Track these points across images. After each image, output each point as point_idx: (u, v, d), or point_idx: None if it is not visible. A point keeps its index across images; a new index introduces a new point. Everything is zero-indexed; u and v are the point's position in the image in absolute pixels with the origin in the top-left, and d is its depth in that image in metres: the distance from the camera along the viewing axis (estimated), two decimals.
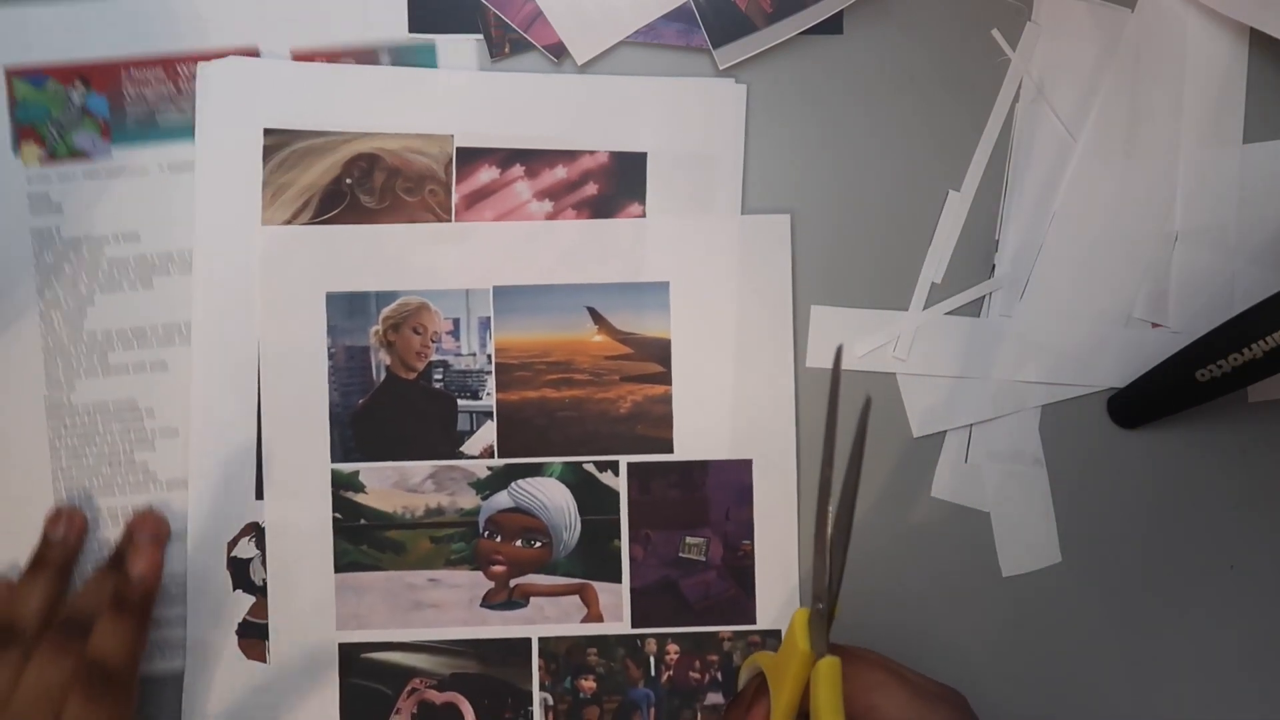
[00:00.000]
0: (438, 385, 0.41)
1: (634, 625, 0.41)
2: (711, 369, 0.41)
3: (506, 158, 0.42)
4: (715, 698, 0.41)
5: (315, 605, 0.41)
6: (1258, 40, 0.41)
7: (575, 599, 0.41)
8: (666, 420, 0.41)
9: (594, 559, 0.41)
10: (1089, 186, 0.42)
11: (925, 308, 0.42)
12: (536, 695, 0.41)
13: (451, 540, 0.41)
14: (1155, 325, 0.42)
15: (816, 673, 0.29)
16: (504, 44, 0.41)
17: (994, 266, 0.42)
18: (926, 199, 0.42)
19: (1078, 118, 0.42)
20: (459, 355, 0.41)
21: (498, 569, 0.41)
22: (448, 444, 0.41)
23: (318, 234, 0.41)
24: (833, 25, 0.42)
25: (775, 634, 0.41)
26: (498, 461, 0.41)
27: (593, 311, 0.41)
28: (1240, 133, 0.42)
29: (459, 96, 0.41)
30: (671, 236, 0.41)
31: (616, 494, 0.41)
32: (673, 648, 0.41)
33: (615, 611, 0.41)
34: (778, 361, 0.41)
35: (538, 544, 0.41)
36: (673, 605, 0.41)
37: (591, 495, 0.41)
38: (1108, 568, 0.42)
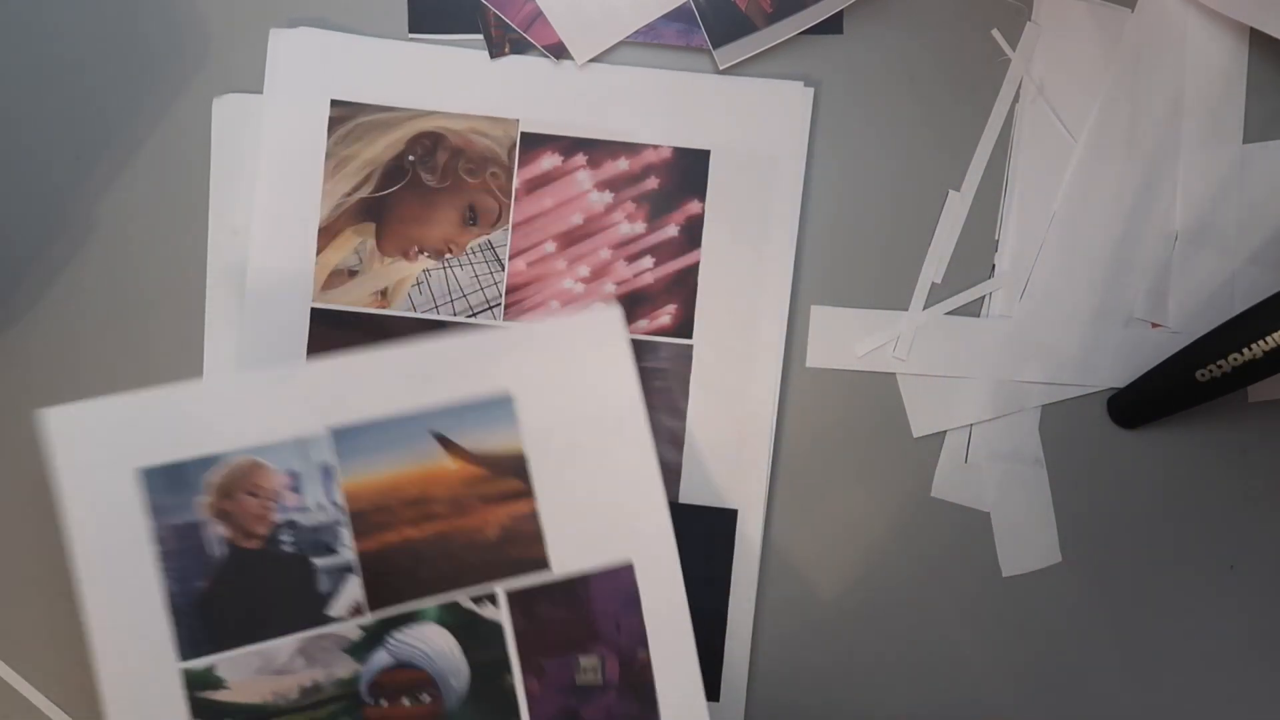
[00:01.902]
0: (288, 549, 0.37)
1: None
2: (571, 474, 0.38)
3: (569, 146, 0.42)
4: None
5: None
6: (1258, 40, 0.41)
7: None
8: (537, 537, 0.38)
9: (489, 702, 0.38)
10: (1089, 186, 0.42)
11: (925, 308, 0.42)
12: None
13: (335, 717, 0.37)
14: (1155, 325, 0.42)
15: None
16: (504, 44, 0.42)
17: (994, 266, 0.42)
18: (926, 199, 0.42)
19: (1078, 118, 0.42)
20: (305, 510, 0.37)
21: None
22: (311, 610, 0.37)
23: (112, 407, 0.37)
24: (833, 25, 0.42)
25: None
26: (369, 619, 0.37)
27: (440, 437, 0.38)
28: (1240, 133, 0.42)
29: (527, 82, 0.42)
30: (507, 345, 0.38)
31: (500, 626, 0.38)
32: None
33: None
34: (639, 455, 0.39)
35: (426, 698, 0.38)
36: None
37: (474, 633, 0.38)
38: (1108, 568, 0.42)
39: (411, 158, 0.42)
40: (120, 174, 0.42)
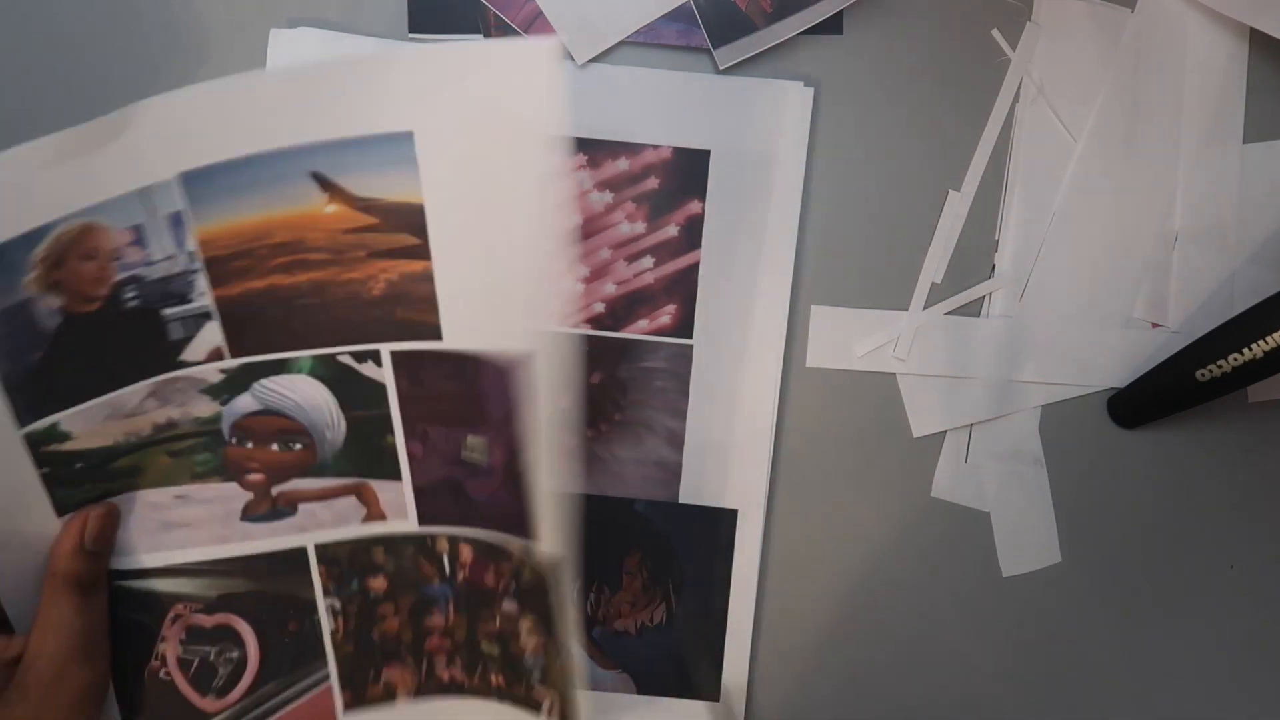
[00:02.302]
0: (132, 304, 0.33)
1: (421, 523, 0.36)
2: (476, 239, 0.32)
3: (569, 146, 0.42)
4: (511, 606, 0.36)
5: (41, 552, 0.35)
6: (1258, 40, 0.41)
7: (352, 500, 0.36)
8: (430, 302, 0.32)
9: (367, 456, 0.35)
10: (1089, 186, 0.42)
11: (925, 308, 0.42)
12: (322, 602, 0.36)
13: (193, 451, 0.35)
14: (1155, 325, 0.42)
15: None
16: None
17: (994, 266, 0.42)
18: (926, 199, 0.42)
19: (1078, 118, 0.42)
20: (150, 264, 0.33)
21: (255, 478, 0.35)
22: (162, 358, 0.34)
23: None
24: (833, 25, 0.42)
25: (559, 563, 0.34)
26: (231, 362, 0.34)
27: (319, 177, 0.31)
28: (1240, 133, 0.42)
29: None
30: (411, 75, 0.31)
31: (383, 386, 0.34)
32: (466, 549, 0.36)
33: (399, 509, 0.35)
34: (548, 228, 0.31)
35: (298, 445, 0.35)
36: (461, 505, 0.35)
37: (353, 389, 0.34)
38: (1108, 568, 0.42)
39: None
40: None
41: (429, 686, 0.37)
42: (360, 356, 0.34)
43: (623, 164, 0.42)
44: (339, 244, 0.32)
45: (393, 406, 0.34)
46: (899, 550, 0.42)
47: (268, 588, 0.36)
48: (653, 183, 0.42)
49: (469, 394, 0.33)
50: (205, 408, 0.35)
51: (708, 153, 0.42)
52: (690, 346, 0.42)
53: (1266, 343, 0.37)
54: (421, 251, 0.32)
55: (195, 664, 0.37)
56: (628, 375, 0.42)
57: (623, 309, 0.42)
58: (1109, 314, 0.42)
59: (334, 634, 0.37)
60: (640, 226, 0.42)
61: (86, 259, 0.32)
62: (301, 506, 0.36)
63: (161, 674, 0.37)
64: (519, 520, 0.34)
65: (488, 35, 0.41)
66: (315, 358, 0.34)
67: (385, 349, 0.33)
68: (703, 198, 0.42)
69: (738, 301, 0.42)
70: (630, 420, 0.42)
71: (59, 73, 0.42)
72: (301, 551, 0.36)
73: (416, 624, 0.36)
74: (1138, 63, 0.42)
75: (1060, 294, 0.42)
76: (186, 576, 0.36)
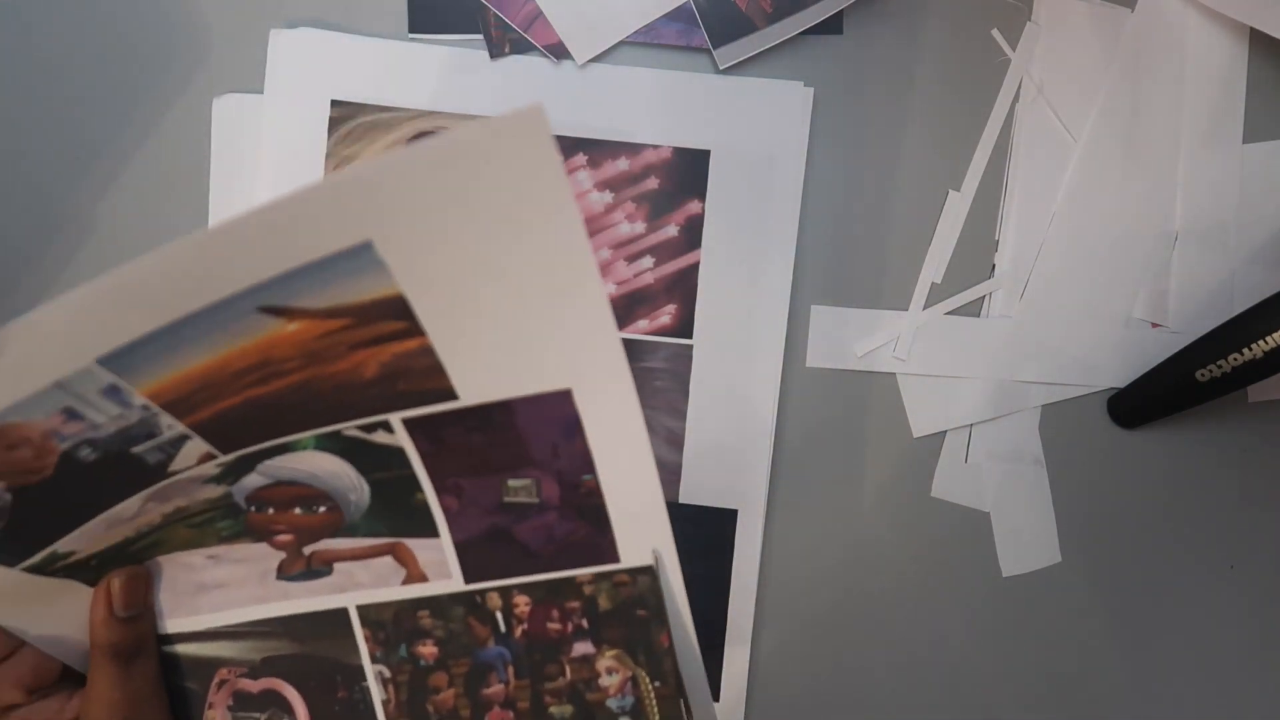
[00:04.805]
0: (91, 459, 0.30)
1: (469, 581, 0.33)
2: (477, 305, 0.28)
3: (569, 146, 0.42)
4: (584, 648, 0.34)
5: (76, 625, 0.34)
6: (1258, 40, 0.41)
7: (389, 560, 0.34)
8: (435, 370, 0.29)
9: (398, 515, 0.33)
10: (1089, 186, 0.42)
11: (925, 308, 0.42)
12: (370, 669, 0.34)
13: (214, 520, 0.33)
14: (1155, 325, 0.42)
15: None
16: (504, 44, 0.42)
17: (994, 266, 0.42)
18: (926, 199, 0.42)
19: (1078, 118, 0.42)
20: (97, 428, 0.29)
21: (284, 538, 0.34)
22: (150, 475, 0.31)
23: None
24: (833, 25, 0.42)
25: (647, 570, 0.32)
26: (227, 457, 0.31)
27: (271, 309, 0.28)
28: (1240, 133, 0.42)
29: (527, 82, 0.42)
30: (368, 193, 0.26)
31: (400, 450, 0.32)
32: (521, 599, 0.34)
33: (441, 569, 0.33)
34: (581, 281, 0.28)
35: (321, 509, 0.33)
36: (512, 554, 0.33)
37: (368, 457, 0.32)
38: (1108, 568, 0.42)
39: None
40: (120, 174, 0.42)
41: None
42: (368, 428, 0.31)
43: (623, 164, 0.42)
44: (311, 350, 0.29)
45: (416, 467, 0.32)
46: (899, 550, 0.42)
47: (312, 651, 0.35)
48: (653, 183, 0.42)
49: (502, 441, 0.31)
50: (212, 491, 0.33)
51: (708, 153, 0.42)
52: (690, 346, 0.42)
53: (1266, 343, 0.37)
54: (412, 332, 0.29)
55: None
56: None
57: (623, 309, 0.42)
58: (1109, 314, 0.42)
59: (386, 704, 0.34)
60: (640, 226, 0.42)
61: (13, 449, 0.29)
62: (337, 566, 0.34)
63: None
64: (588, 549, 0.32)
65: (488, 35, 0.41)
66: (318, 436, 0.31)
67: (394, 418, 0.31)
68: (703, 198, 0.42)
69: (738, 301, 0.42)
70: None
71: (58, 73, 0.42)
72: (343, 613, 0.34)
73: (473, 695, 0.34)
74: (1138, 63, 0.42)
75: (1060, 294, 0.42)
76: (228, 639, 0.35)
